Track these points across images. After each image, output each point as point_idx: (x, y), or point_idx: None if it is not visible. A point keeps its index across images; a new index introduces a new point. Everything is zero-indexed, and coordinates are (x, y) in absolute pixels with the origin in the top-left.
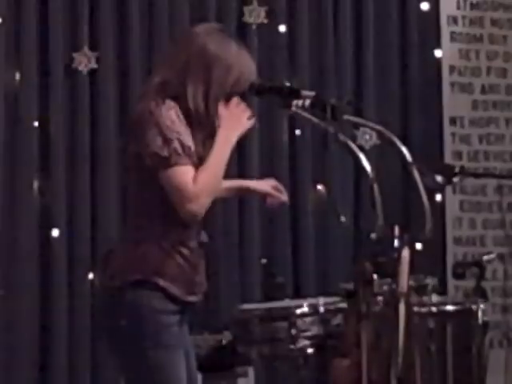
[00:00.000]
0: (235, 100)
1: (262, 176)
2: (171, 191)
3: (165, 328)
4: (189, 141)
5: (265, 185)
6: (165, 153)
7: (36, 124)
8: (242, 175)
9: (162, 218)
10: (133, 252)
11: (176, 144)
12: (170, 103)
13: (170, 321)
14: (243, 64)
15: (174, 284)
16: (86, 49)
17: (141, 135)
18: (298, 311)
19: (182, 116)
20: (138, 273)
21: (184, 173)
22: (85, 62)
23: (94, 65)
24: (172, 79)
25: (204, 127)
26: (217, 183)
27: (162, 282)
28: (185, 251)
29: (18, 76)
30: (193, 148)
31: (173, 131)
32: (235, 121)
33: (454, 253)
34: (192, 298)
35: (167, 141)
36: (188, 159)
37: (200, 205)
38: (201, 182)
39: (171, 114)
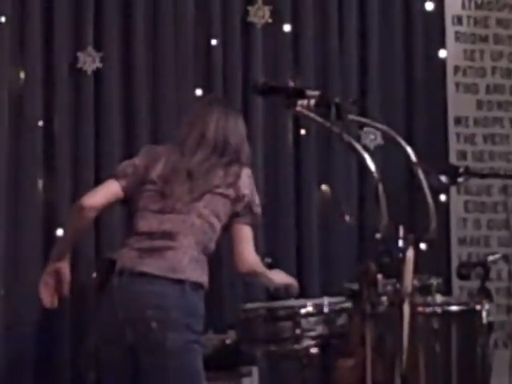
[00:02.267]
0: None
1: (267, 176)
2: (246, 241)
3: (202, 327)
4: None
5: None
6: (258, 212)
7: (40, 123)
8: None
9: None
10: (197, 259)
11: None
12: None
13: None
14: None
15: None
16: (90, 48)
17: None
18: (303, 311)
19: None
20: (200, 276)
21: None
22: (89, 61)
23: (98, 64)
24: (235, 151)
25: None
26: (256, 277)
27: (204, 288)
28: None
29: (22, 75)
30: None
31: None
32: (283, 277)
33: (458, 253)
34: None
35: (258, 204)
36: None
37: (245, 270)
38: (259, 264)
39: None
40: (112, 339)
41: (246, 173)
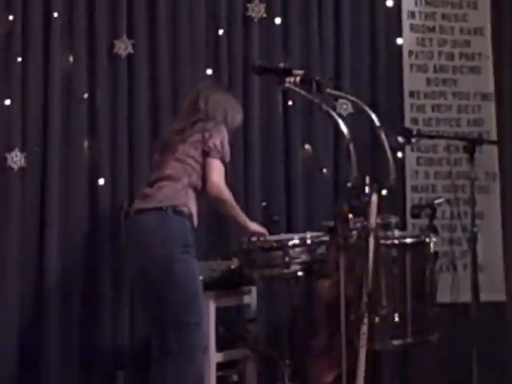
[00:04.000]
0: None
1: (261, 138)
2: (216, 171)
3: (190, 240)
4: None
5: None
6: (225, 151)
7: (86, 96)
8: (246, 139)
9: (198, 180)
10: (180, 189)
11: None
12: None
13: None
14: None
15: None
16: (124, 37)
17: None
18: (291, 243)
19: None
20: (181, 200)
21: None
22: (123, 47)
23: (130, 50)
24: (210, 113)
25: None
26: (226, 206)
27: (188, 210)
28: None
29: (71, 58)
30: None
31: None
32: (259, 229)
33: (411, 198)
34: None
35: (224, 147)
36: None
37: (213, 193)
38: (226, 191)
39: None
40: (127, 273)
41: (215, 124)
